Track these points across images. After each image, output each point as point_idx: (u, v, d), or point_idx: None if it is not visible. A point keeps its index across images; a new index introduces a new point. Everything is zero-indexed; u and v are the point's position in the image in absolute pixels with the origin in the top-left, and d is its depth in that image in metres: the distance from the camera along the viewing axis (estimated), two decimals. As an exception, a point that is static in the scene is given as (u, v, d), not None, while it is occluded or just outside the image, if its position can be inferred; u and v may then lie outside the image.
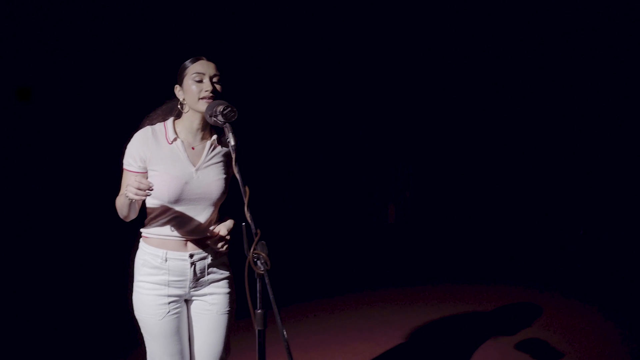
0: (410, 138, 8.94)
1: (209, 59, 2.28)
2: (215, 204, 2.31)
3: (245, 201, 1.96)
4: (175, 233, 2.27)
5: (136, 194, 2.01)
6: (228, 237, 2.28)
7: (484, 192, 9.00)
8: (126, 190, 2.05)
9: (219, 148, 2.34)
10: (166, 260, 2.26)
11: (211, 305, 2.36)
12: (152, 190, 2.04)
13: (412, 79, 8.67)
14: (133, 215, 2.25)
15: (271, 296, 1.87)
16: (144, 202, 2.26)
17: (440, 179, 9.11)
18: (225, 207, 2.44)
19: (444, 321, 4.98)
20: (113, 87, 6.11)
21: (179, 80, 2.29)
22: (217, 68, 2.27)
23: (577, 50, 8.03)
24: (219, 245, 2.28)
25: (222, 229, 2.28)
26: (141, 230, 2.33)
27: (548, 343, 4.33)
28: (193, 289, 2.33)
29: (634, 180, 7.92)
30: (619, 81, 7.94)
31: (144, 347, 2.38)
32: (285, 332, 1.87)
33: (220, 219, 2.40)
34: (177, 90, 2.30)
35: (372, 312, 5.27)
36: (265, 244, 1.96)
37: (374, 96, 8.57)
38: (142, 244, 2.32)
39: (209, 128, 2.33)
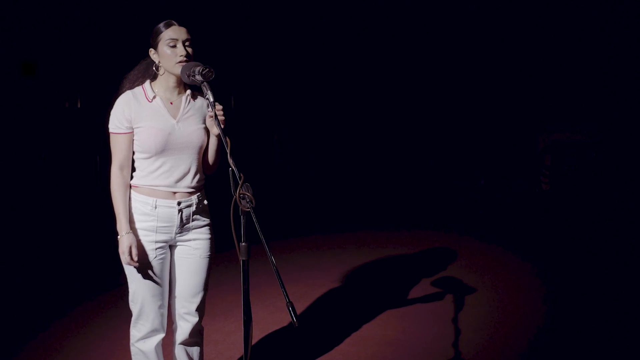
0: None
1: (180, 24, 2.48)
2: (198, 153, 2.55)
3: (228, 150, 2.22)
4: (165, 183, 2.49)
5: (128, 262, 2.44)
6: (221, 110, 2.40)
7: (394, 145, 9.48)
8: (122, 253, 2.43)
9: (193, 101, 2.58)
10: (155, 207, 2.49)
11: (195, 250, 2.62)
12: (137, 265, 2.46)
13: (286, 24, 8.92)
14: None
15: (259, 230, 2.14)
16: (133, 159, 2.51)
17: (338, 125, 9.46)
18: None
19: (365, 264, 5.47)
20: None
21: (153, 44, 2.48)
22: (188, 32, 2.48)
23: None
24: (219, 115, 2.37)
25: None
26: (131, 182, 2.53)
27: (461, 280, 4.89)
28: (178, 235, 2.57)
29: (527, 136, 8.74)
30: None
31: (127, 288, 2.61)
32: (273, 260, 2.16)
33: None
34: (152, 53, 2.50)
35: (296, 258, 5.68)
36: (250, 185, 2.24)
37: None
38: (133, 194, 2.52)
39: (182, 84, 2.55)
